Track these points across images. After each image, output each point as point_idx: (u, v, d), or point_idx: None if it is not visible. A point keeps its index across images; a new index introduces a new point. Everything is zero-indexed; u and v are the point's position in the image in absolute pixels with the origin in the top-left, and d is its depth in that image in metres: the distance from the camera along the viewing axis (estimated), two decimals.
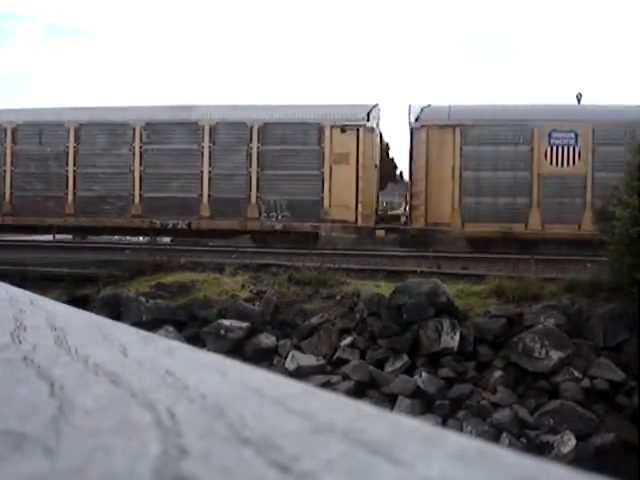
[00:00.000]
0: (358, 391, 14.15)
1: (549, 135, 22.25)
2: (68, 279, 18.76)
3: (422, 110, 23.21)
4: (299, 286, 17.30)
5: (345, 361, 15.28)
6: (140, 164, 24.24)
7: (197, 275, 18.30)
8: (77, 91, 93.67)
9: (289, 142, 23.44)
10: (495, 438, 12.97)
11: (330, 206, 23.03)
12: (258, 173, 23.56)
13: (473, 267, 18.65)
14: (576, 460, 12.40)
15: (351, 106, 23.98)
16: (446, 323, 15.01)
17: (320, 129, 23.21)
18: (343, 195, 22.89)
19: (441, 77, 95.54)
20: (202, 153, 23.85)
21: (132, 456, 0.94)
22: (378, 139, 24.93)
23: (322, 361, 15.34)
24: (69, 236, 25.67)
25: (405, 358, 15.04)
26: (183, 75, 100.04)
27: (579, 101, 24.05)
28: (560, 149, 22.22)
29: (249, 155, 23.58)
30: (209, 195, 23.89)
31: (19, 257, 20.47)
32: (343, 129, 23.04)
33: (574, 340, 14.69)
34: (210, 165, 23.83)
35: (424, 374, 14.61)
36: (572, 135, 22.14)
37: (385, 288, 16.46)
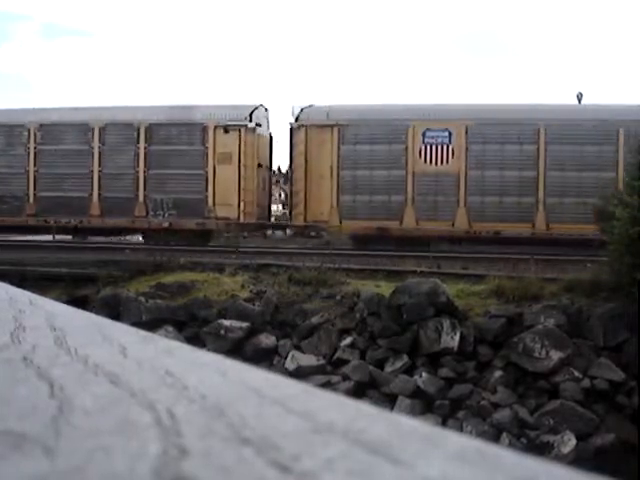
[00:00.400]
0: (358, 391, 14.16)
1: (423, 134, 22.77)
2: (68, 279, 18.77)
3: (302, 110, 23.86)
4: (299, 286, 17.30)
5: (345, 361, 15.28)
6: (34, 164, 25.14)
7: (197, 275, 18.30)
8: (76, 91, 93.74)
9: (174, 142, 24.32)
10: (495, 438, 12.97)
11: (214, 204, 23.94)
12: (145, 173, 24.42)
13: (473, 267, 18.65)
14: (576, 460, 12.40)
15: (234, 107, 24.74)
16: (446, 323, 15.01)
17: (204, 129, 24.06)
18: (226, 194, 23.78)
19: (440, 77, 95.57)
20: (92, 153, 24.73)
21: (132, 456, 0.94)
22: (266, 139, 25.51)
23: (322, 361, 15.35)
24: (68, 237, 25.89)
25: (405, 358, 15.05)
26: (183, 75, 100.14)
27: (579, 101, 24.06)
28: (434, 148, 22.75)
29: (137, 155, 24.44)
30: (99, 194, 24.78)
31: (18, 257, 20.48)
32: (226, 129, 23.87)
33: (574, 340, 14.69)
34: (100, 165, 24.71)
35: (424, 374, 14.61)
36: (446, 134, 22.67)
37: (385, 288, 16.46)
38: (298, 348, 15.78)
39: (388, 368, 15.03)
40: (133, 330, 2.25)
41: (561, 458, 12.40)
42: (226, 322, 16.14)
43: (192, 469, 0.90)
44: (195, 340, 15.18)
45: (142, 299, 17.14)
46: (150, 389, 1.31)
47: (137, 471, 0.89)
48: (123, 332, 2.19)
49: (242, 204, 23.74)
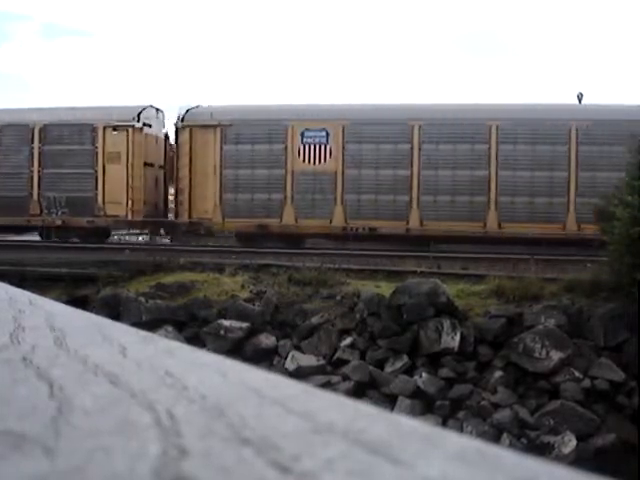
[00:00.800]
0: (358, 391, 14.15)
1: (302, 134, 23.34)
2: (67, 279, 18.77)
3: (187, 111, 24.55)
4: (299, 286, 17.30)
5: (345, 361, 15.28)
6: None
7: (197, 275, 18.30)
8: (76, 91, 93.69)
9: (67, 142, 24.99)
10: (495, 438, 12.96)
11: (104, 202, 24.65)
12: (39, 172, 25.12)
13: (473, 267, 18.65)
14: (577, 460, 12.40)
15: (123, 107, 25.45)
16: (446, 323, 15.01)
17: (94, 130, 24.72)
18: (116, 192, 24.42)
19: (439, 77, 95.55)
20: None
21: (132, 456, 0.94)
22: (158, 139, 26.08)
23: (322, 361, 15.34)
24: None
25: (405, 358, 15.04)
26: (183, 75, 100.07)
27: (580, 100, 24.05)
28: (312, 147, 23.33)
29: (31, 155, 25.16)
30: None
31: (18, 257, 20.48)
32: (115, 129, 24.63)
33: (574, 340, 14.68)
34: None
35: (424, 374, 14.60)
36: (324, 134, 23.24)
37: (385, 288, 16.46)
38: (298, 348, 15.77)
39: (388, 368, 15.02)
40: (133, 330, 2.25)
41: (561, 458, 12.40)
42: (226, 322, 16.14)
43: (192, 469, 0.90)
44: (195, 340, 15.18)
45: (142, 299, 17.14)
46: (150, 389, 1.31)
47: (137, 471, 0.89)
48: (123, 332, 2.19)
49: (130, 202, 24.51)
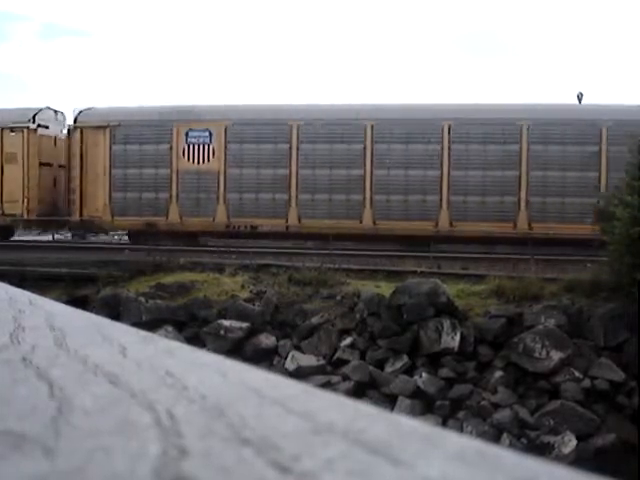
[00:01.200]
0: (358, 391, 14.15)
1: (186, 134, 24.09)
2: (68, 279, 18.77)
3: (80, 112, 25.22)
4: (299, 286, 17.29)
5: (345, 361, 15.28)
6: None
7: (197, 275, 18.30)
8: (76, 91, 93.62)
9: None
10: (495, 438, 12.96)
11: (2, 201, 25.32)
12: None
13: (473, 267, 18.64)
14: (577, 461, 12.40)
15: (19, 109, 26.10)
16: (446, 323, 15.01)
17: None
18: (13, 191, 25.11)
19: (439, 77, 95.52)
20: None
21: (132, 456, 0.94)
22: (54, 140, 26.53)
23: (322, 361, 15.34)
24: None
25: (405, 358, 15.04)
26: (182, 75, 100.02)
27: (580, 100, 24.06)
28: (196, 147, 24.08)
29: None
30: None
31: (18, 257, 20.48)
32: (12, 131, 25.29)
33: (574, 340, 14.68)
34: None
35: (424, 374, 14.60)
36: (207, 134, 23.99)
37: (385, 288, 16.45)
38: (298, 348, 15.77)
39: (388, 368, 15.02)
40: (133, 330, 2.25)
41: (561, 458, 12.40)
42: (226, 322, 16.13)
43: (192, 469, 0.90)
44: (195, 340, 15.18)
45: (142, 299, 17.14)
46: (150, 389, 1.31)
47: (137, 471, 0.89)
48: (123, 332, 2.19)
49: (26, 201, 25.07)
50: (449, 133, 22.34)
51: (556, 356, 14.32)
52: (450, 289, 15.87)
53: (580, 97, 24.13)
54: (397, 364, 15.01)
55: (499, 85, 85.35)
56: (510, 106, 22.74)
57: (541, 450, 12.68)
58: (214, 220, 23.74)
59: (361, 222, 22.81)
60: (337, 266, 18.26)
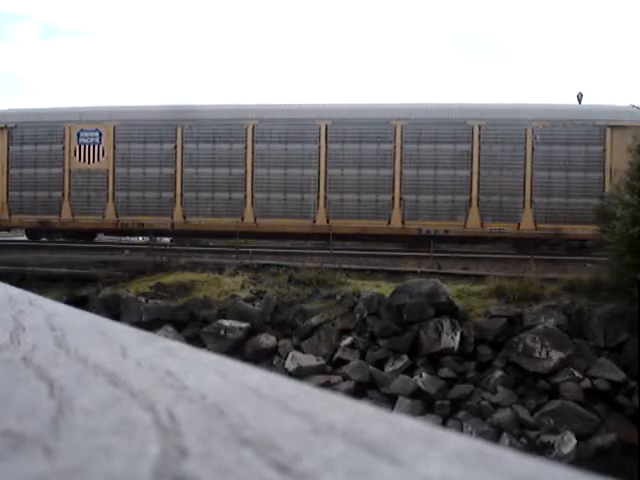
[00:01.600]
0: (358, 391, 14.15)
1: (78, 134, 24.98)
2: (68, 279, 18.77)
3: None
4: (299, 286, 17.30)
5: (345, 361, 15.28)
6: None
7: (197, 275, 18.30)
8: (75, 91, 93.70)
9: None
10: (495, 438, 12.97)
11: None
12: None
13: (473, 267, 18.65)
14: (577, 460, 12.40)
15: None
16: (446, 323, 15.01)
17: None
18: None
19: (439, 77, 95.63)
20: None
21: (132, 456, 0.94)
22: None
23: (322, 361, 15.34)
24: None
25: (405, 358, 15.04)
26: (182, 75, 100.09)
27: (580, 101, 24.07)
28: (87, 147, 24.98)
29: None
30: None
31: (18, 257, 20.49)
32: None
33: (574, 340, 14.69)
34: None
35: (424, 374, 14.60)
36: (97, 134, 24.89)
37: (385, 288, 16.46)
38: (298, 348, 15.77)
39: (388, 368, 15.02)
40: (133, 330, 2.25)
41: (561, 458, 12.40)
42: (226, 322, 16.13)
43: (192, 469, 0.90)
44: (195, 340, 15.19)
45: (142, 299, 17.14)
46: (150, 389, 1.31)
47: (137, 471, 0.89)
48: (123, 332, 2.18)
49: None
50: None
51: (556, 356, 14.32)
52: (450, 289, 15.88)
53: (580, 97, 24.15)
54: (397, 364, 15.01)
55: (499, 85, 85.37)
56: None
57: (541, 450, 12.68)
58: (104, 218, 24.69)
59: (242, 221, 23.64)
60: (337, 266, 18.26)
